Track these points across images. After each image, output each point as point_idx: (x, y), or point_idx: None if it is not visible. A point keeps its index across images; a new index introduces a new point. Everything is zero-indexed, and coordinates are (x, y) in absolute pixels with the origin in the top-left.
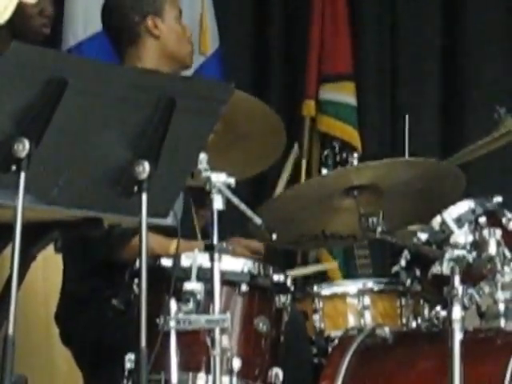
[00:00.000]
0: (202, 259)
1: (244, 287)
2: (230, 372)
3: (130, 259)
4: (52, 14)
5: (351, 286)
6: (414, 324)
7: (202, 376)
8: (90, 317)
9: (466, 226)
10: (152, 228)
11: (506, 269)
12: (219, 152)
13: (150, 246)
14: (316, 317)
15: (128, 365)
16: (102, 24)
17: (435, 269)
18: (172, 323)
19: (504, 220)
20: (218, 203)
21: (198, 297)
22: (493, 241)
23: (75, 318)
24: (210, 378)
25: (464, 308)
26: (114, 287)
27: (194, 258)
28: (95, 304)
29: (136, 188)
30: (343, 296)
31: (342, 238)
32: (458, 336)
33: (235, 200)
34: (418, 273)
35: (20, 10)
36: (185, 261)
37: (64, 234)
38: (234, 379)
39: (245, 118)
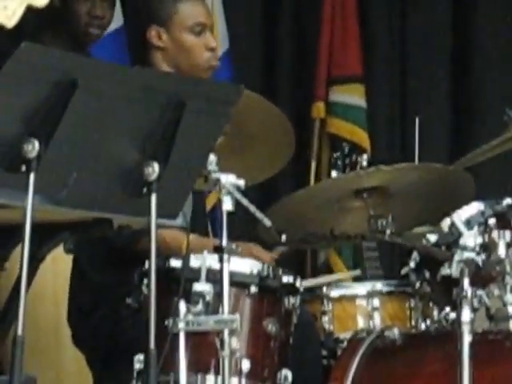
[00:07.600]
0: (211, 260)
1: (253, 288)
2: (239, 373)
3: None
4: (102, 15)
5: (360, 288)
6: (423, 326)
7: (210, 377)
8: (104, 314)
9: (476, 228)
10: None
11: None
12: (229, 156)
13: (164, 239)
14: (325, 319)
15: (137, 365)
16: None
17: (444, 271)
18: (181, 324)
19: None
20: (227, 204)
21: (207, 298)
22: (502, 243)
23: (89, 315)
24: (219, 379)
25: (473, 310)
26: (129, 285)
27: (204, 259)
28: (110, 302)
29: (145, 189)
30: (352, 298)
31: (350, 238)
32: (467, 338)
33: (245, 201)
34: (427, 275)
35: (69, 8)
36: (194, 262)
37: (74, 234)
38: (243, 380)
39: (253, 118)
